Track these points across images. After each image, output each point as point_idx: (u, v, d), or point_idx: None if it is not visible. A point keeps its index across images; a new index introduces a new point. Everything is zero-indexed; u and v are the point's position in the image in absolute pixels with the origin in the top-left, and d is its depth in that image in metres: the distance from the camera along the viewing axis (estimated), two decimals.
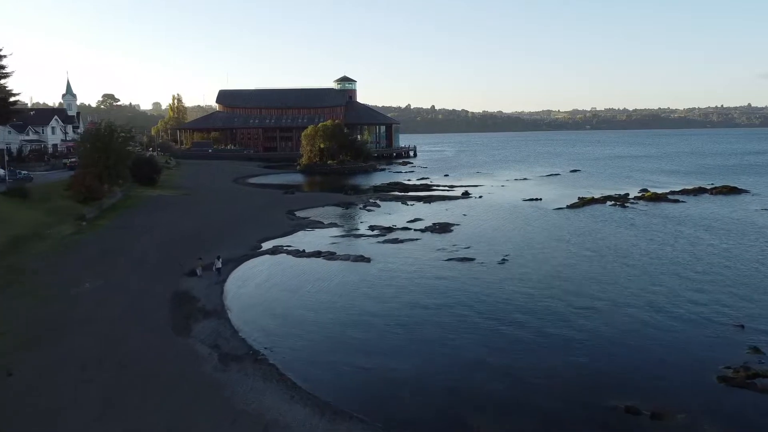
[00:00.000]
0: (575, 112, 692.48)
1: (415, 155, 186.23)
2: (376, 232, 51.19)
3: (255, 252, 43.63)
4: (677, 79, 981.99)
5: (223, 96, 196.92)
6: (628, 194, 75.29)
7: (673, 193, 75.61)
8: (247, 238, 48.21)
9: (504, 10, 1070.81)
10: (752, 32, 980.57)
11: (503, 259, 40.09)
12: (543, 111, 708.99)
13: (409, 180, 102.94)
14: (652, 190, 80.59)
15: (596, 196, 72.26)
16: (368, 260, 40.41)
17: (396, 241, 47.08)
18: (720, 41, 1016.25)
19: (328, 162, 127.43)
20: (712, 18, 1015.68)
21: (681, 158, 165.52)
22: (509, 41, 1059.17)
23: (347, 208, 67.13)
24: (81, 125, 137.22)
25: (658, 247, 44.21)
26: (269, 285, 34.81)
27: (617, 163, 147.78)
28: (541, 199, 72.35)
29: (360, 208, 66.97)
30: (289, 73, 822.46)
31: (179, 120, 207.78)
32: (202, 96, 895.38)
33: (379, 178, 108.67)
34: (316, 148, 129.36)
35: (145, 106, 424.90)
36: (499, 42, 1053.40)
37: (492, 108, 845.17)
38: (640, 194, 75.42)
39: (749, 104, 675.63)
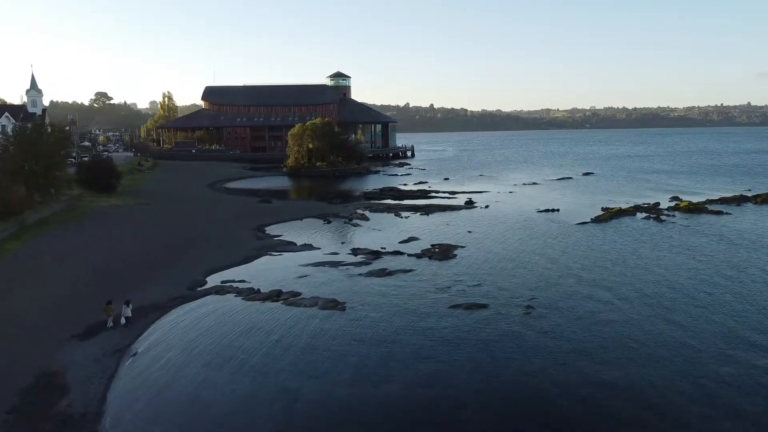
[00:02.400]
0: (574, 110, 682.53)
1: (412, 155, 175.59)
2: (359, 259, 40.34)
3: (194, 292, 32.71)
4: (676, 78, 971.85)
5: (210, 93, 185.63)
6: (658, 203, 64.51)
7: (711, 202, 64.78)
8: (193, 268, 37.33)
9: (503, 9, 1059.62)
10: (751, 31, 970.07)
11: (528, 308, 29.14)
12: (542, 110, 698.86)
13: (405, 185, 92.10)
14: (684, 197, 69.99)
15: (623, 207, 61.47)
16: (342, 307, 29.53)
17: (383, 273, 36.18)
18: (719, 40, 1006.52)
19: (317, 164, 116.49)
20: (711, 17, 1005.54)
21: (694, 158, 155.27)
22: (508, 40, 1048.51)
23: (329, 222, 56.18)
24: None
25: (724, 283, 33.39)
26: (189, 356, 23.90)
27: (629, 164, 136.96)
28: (558, 210, 61.46)
29: (345, 222, 56.08)
30: (285, 71, 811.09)
31: (170, 119, 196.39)
32: (199, 94, 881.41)
33: (372, 182, 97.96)
34: (303, 148, 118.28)
35: (143, 104, 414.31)
36: (499, 40, 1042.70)
37: (491, 107, 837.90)
38: (672, 203, 64.68)
39: (749, 103, 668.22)
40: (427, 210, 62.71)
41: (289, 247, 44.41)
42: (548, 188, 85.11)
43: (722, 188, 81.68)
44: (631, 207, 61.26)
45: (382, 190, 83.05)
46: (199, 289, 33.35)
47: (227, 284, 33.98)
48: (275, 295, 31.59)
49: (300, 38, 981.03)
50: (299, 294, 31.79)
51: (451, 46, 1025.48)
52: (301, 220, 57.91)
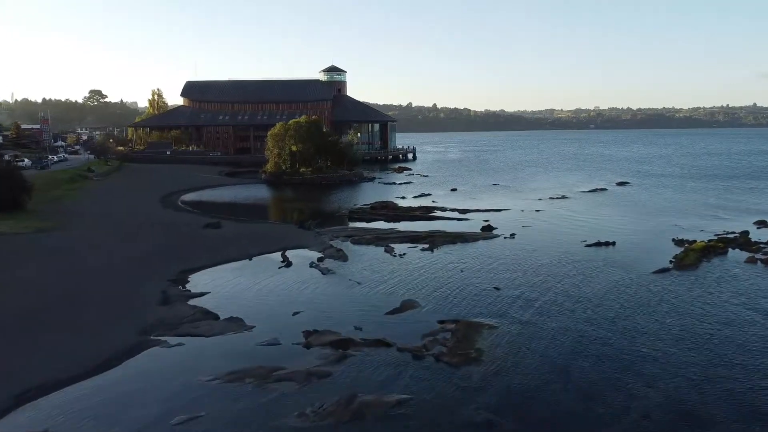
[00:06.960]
0: (578, 111, 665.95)
1: (414, 158, 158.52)
2: (312, 358, 22.86)
3: None
4: (680, 79, 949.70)
5: (190, 89, 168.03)
6: (747, 232, 46.86)
7: None
8: None
9: (507, 8, 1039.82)
10: (755, 32, 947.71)
11: None
12: (546, 110, 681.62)
13: (403, 197, 74.88)
14: None
15: (703, 239, 43.94)
16: None
17: (347, 414, 18.41)
18: (723, 41, 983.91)
19: (301, 170, 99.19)
20: (715, 17, 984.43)
21: (725, 161, 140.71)
22: (512, 39, 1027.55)
23: (289, 266, 38.61)
24: None
25: None
26: None
27: (656, 169, 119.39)
28: (614, 244, 43.88)
29: (312, 266, 38.45)
30: (275, 65, 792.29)
31: None
32: None
33: (364, 194, 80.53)
34: (285, 151, 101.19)
35: (144, 103, 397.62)
36: (502, 40, 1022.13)
37: (494, 107, 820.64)
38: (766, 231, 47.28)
39: (755, 104, 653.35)
40: (430, 242, 45.22)
41: (203, 325, 26.74)
42: (583, 205, 67.37)
43: None
44: (717, 241, 43.54)
45: (374, 206, 65.35)
46: None
47: None
48: None
49: (295, 33, 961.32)
50: None
51: (454, 46, 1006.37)
52: (251, 259, 40.38)
